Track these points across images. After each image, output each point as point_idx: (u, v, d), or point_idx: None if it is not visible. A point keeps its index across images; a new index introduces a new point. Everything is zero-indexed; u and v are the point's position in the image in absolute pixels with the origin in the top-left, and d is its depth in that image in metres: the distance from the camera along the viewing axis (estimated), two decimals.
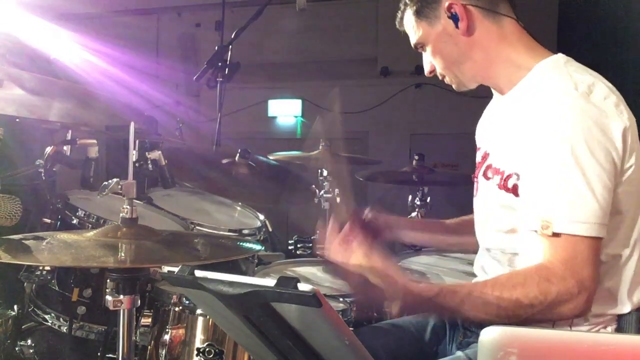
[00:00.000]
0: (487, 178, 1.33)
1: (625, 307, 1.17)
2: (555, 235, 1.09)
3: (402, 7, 1.40)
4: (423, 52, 1.41)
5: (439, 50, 1.35)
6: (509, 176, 1.22)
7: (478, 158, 1.43)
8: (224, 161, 2.16)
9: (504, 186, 1.24)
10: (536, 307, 1.08)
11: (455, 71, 1.36)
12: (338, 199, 1.84)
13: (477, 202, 1.41)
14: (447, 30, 1.31)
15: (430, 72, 1.42)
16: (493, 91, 1.43)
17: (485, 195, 1.35)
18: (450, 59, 1.35)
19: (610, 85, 1.19)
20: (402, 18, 1.40)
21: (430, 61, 1.39)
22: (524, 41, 1.31)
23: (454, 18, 1.29)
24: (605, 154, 1.10)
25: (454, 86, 1.42)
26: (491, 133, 1.40)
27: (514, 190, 1.21)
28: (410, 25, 1.37)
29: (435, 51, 1.35)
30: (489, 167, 1.34)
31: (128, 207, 1.27)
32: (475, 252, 1.49)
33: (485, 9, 1.29)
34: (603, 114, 1.12)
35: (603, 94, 1.15)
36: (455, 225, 1.65)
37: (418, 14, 1.33)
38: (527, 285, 1.09)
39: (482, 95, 1.50)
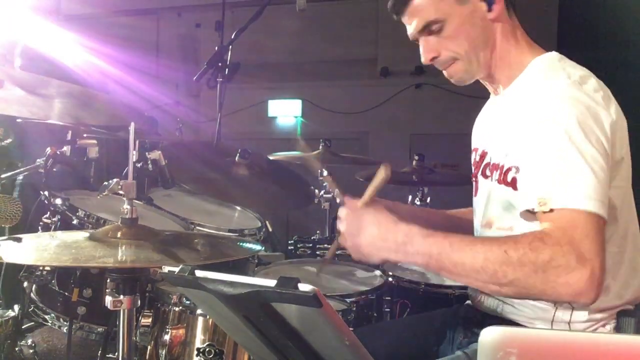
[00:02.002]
0: (486, 176, 1.34)
1: (620, 302, 1.18)
2: (553, 210, 1.04)
3: None
4: (423, 39, 1.31)
5: (463, 32, 1.27)
6: (508, 170, 1.22)
7: (476, 158, 1.43)
8: (224, 161, 2.16)
9: (503, 180, 1.24)
10: (526, 266, 0.99)
11: (472, 58, 1.29)
12: (338, 199, 1.84)
13: (477, 202, 1.41)
14: (476, 12, 1.26)
15: (432, 59, 1.32)
16: (489, 90, 1.43)
17: (485, 193, 1.35)
18: (474, 42, 1.28)
19: (601, 82, 1.20)
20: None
21: (435, 47, 1.30)
22: (527, 40, 1.33)
23: (489, 0, 1.26)
24: (597, 139, 1.09)
25: (457, 77, 1.33)
26: (488, 132, 1.40)
27: (513, 184, 1.20)
28: (427, 2, 1.27)
29: (459, 31, 1.27)
30: (487, 165, 1.34)
31: (128, 207, 1.27)
32: None
33: (507, 1, 1.29)
34: (594, 102, 1.13)
35: (594, 87, 1.17)
36: (457, 217, 1.65)
37: None
38: (518, 241, 1.02)
39: (482, 96, 1.50)
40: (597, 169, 1.06)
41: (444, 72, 1.35)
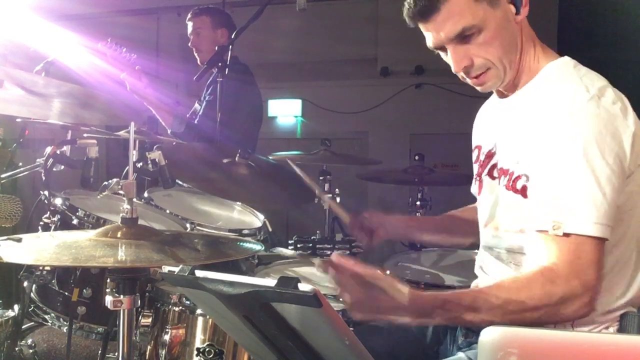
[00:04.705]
0: (493, 177, 1.33)
1: (623, 303, 1.18)
2: (566, 235, 1.09)
3: None
4: (453, 47, 1.23)
5: (498, 38, 1.22)
6: (518, 177, 1.22)
7: (480, 157, 1.42)
8: (224, 161, 2.16)
9: (512, 187, 1.24)
10: (541, 310, 1.07)
11: (505, 62, 1.25)
12: (338, 199, 1.84)
13: (482, 201, 1.41)
14: (507, 15, 1.23)
15: (465, 68, 1.24)
16: (494, 90, 1.42)
17: (492, 195, 1.34)
18: (506, 47, 1.24)
19: (618, 91, 1.19)
20: (434, 4, 1.20)
21: (467, 54, 1.23)
22: (541, 44, 1.32)
23: (517, 2, 1.22)
24: (614, 157, 1.10)
25: (487, 84, 1.28)
26: (496, 133, 1.39)
27: (523, 192, 1.21)
28: (462, 7, 1.19)
29: (495, 37, 1.22)
30: (494, 166, 1.33)
31: (128, 207, 1.27)
32: (467, 247, 1.50)
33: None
34: (612, 118, 1.13)
35: (612, 99, 1.16)
36: (448, 223, 1.66)
37: None
38: (531, 288, 1.08)
39: (482, 95, 1.49)
40: (609, 191, 1.09)
41: (470, 80, 1.28)
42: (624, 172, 1.12)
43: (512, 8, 1.24)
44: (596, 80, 1.20)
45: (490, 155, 1.37)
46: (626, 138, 1.12)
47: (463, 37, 1.22)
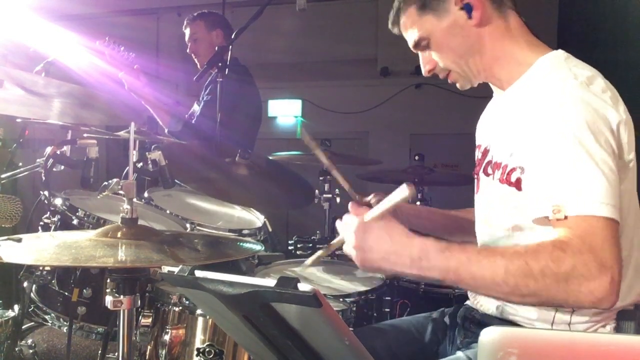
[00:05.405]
0: (488, 174, 1.33)
1: (622, 304, 1.17)
2: (568, 218, 1.04)
3: (397, 5, 1.37)
4: (420, 52, 1.39)
5: (447, 44, 1.32)
6: (512, 170, 1.22)
7: (478, 155, 1.43)
8: (224, 161, 2.16)
9: (506, 180, 1.23)
10: (548, 278, 0.98)
11: (462, 65, 1.34)
12: (338, 200, 1.84)
13: (479, 199, 1.41)
14: (457, 22, 1.30)
15: (430, 71, 1.39)
16: (493, 88, 1.43)
17: (487, 191, 1.35)
18: (459, 52, 1.32)
19: (608, 82, 1.19)
20: (396, 19, 1.39)
21: (430, 59, 1.37)
22: (526, 36, 1.32)
23: (467, 8, 1.28)
24: (606, 141, 1.09)
25: (458, 84, 1.39)
26: (491, 129, 1.40)
27: (517, 184, 1.20)
28: (411, 22, 1.34)
29: (443, 45, 1.33)
30: (489, 162, 1.34)
31: (128, 207, 1.27)
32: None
33: (493, 0, 1.30)
34: (602, 103, 1.12)
35: (601, 87, 1.16)
36: (459, 217, 1.64)
37: (423, 7, 1.31)
38: (539, 251, 1.01)
39: (482, 95, 1.50)
40: (608, 172, 1.06)
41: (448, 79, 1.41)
42: (616, 158, 1.10)
43: (463, 14, 1.29)
44: (586, 70, 1.20)
45: (486, 152, 1.37)
46: (615, 125, 1.11)
47: (421, 47, 1.37)
